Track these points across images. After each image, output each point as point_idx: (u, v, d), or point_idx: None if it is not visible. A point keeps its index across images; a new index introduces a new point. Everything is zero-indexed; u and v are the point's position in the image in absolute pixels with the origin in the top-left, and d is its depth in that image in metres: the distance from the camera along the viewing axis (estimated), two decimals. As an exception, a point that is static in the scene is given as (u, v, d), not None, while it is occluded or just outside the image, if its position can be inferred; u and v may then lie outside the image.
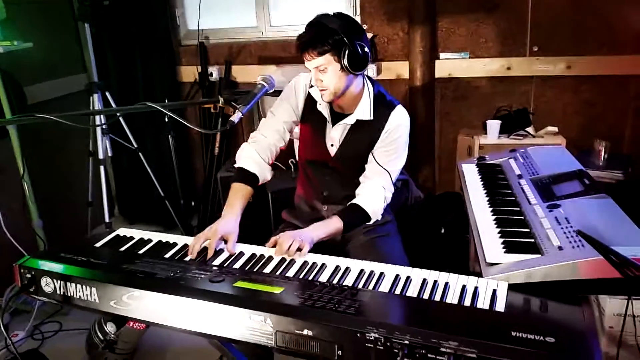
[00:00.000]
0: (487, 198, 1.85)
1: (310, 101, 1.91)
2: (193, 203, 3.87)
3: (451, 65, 3.22)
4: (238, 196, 1.80)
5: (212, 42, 3.61)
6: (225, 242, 1.65)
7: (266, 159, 1.89)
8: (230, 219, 1.72)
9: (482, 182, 2.01)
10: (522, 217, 1.65)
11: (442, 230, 2.89)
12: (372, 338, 1.11)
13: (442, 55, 3.22)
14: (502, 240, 1.51)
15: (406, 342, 1.08)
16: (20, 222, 2.82)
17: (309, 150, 1.97)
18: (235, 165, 1.90)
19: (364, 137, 1.86)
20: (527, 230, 1.55)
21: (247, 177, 1.84)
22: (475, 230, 1.63)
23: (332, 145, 1.91)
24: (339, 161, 1.91)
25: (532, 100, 3.14)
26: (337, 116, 1.89)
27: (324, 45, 1.67)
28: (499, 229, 1.58)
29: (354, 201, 1.86)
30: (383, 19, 3.24)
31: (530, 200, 1.73)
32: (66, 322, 2.67)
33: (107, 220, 3.02)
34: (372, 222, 1.87)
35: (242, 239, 1.72)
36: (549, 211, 1.58)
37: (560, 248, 1.35)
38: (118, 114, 2.60)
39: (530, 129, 2.96)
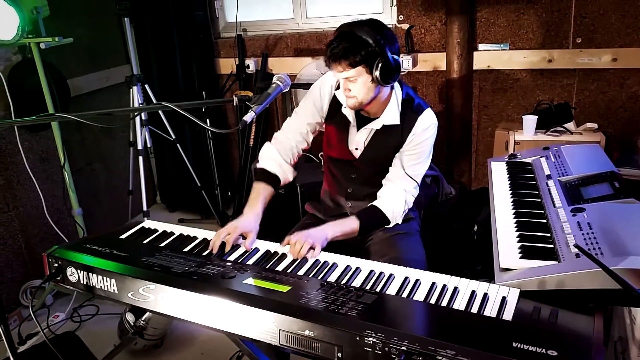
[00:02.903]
0: (512, 199, 1.80)
1: (335, 103, 1.89)
2: (230, 193, 3.95)
3: (490, 56, 3.12)
4: (259, 196, 1.84)
5: (250, 34, 3.64)
6: (244, 238, 1.68)
7: (288, 159, 1.91)
8: (250, 217, 1.75)
9: (509, 182, 1.96)
10: (544, 221, 1.59)
11: (475, 228, 2.83)
12: (371, 342, 1.11)
13: (480, 46, 3.13)
14: (519, 244, 1.47)
15: (403, 348, 1.08)
16: (63, 210, 2.96)
17: (333, 149, 1.96)
18: (257, 166, 1.93)
19: (390, 141, 1.83)
20: (548, 235, 1.50)
21: (268, 177, 1.88)
22: (494, 233, 1.59)
23: (356, 149, 1.89)
24: (363, 163, 1.89)
25: (574, 94, 3.01)
26: (363, 120, 1.86)
27: (355, 57, 1.61)
28: (518, 233, 1.54)
29: (374, 203, 1.83)
30: (420, 9, 3.17)
31: (555, 202, 1.66)
32: (103, 306, 2.79)
33: (144, 209, 3.13)
34: (391, 225, 1.85)
35: (270, 230, 1.77)
36: (572, 215, 1.52)
37: (577, 255, 1.30)
38: (135, 113, 2.67)
39: (571, 125, 2.83)
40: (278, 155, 1.89)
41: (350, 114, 1.85)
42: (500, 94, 3.19)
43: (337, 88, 1.84)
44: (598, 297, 1.22)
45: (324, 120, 1.94)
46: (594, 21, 2.84)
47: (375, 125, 1.82)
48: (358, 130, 1.87)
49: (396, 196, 1.82)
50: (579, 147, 2.08)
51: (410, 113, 1.81)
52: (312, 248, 1.57)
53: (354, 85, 1.69)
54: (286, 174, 1.91)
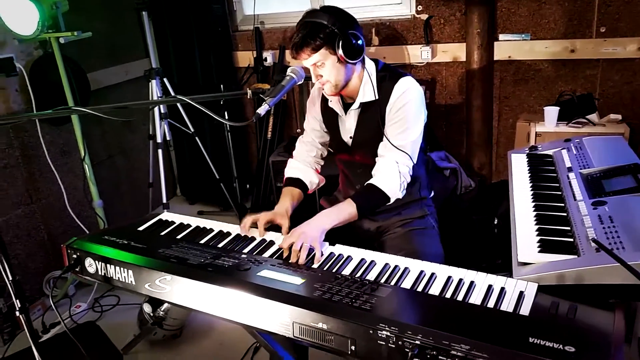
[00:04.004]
0: (532, 192, 1.76)
1: (324, 103, 1.92)
2: (248, 186, 3.97)
3: (511, 47, 3.06)
4: (287, 195, 1.89)
5: (267, 27, 3.64)
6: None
7: (309, 167, 1.99)
8: (280, 209, 1.80)
9: (529, 174, 1.92)
10: (564, 214, 1.56)
11: (495, 221, 2.79)
12: (384, 336, 1.11)
13: (501, 36, 3.07)
14: (538, 238, 1.44)
15: (417, 342, 1.07)
16: (84, 202, 3.01)
17: (337, 149, 1.98)
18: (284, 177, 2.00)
19: (373, 118, 1.80)
20: (568, 228, 1.46)
21: (292, 181, 1.95)
22: (513, 226, 1.57)
23: (350, 137, 1.89)
24: (358, 150, 1.88)
25: (598, 85, 2.94)
26: (349, 107, 1.87)
27: (316, 41, 1.66)
28: (537, 226, 1.51)
29: (369, 182, 1.77)
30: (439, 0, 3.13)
31: (576, 195, 1.63)
32: (124, 297, 2.84)
33: (164, 201, 3.15)
34: (392, 201, 1.77)
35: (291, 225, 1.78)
36: (593, 208, 1.48)
37: (597, 250, 1.27)
38: (151, 106, 2.68)
39: (594, 116, 2.77)
40: (299, 164, 1.99)
41: (336, 106, 1.87)
42: (522, 85, 3.14)
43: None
44: (620, 293, 1.20)
45: (323, 123, 1.98)
46: (619, 9, 2.76)
47: (355, 106, 1.83)
48: (346, 118, 1.88)
49: (389, 170, 1.75)
50: (602, 139, 2.03)
51: (387, 84, 1.78)
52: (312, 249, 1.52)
53: (323, 70, 1.72)
54: (310, 177, 1.97)
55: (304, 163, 2.00)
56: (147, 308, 1.57)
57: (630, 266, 1.06)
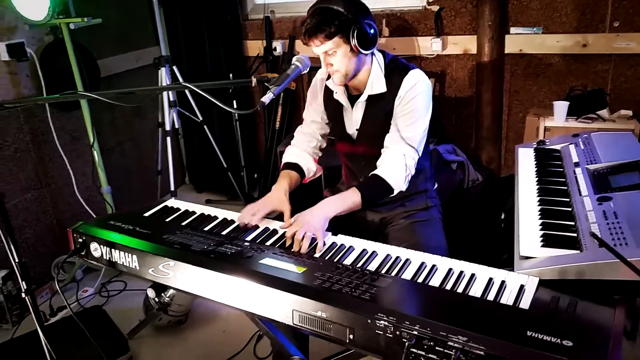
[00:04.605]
0: (537, 186, 1.76)
1: (328, 94, 1.90)
2: (256, 175, 3.98)
3: (522, 40, 3.03)
4: (284, 177, 1.88)
5: (278, 16, 3.62)
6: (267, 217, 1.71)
7: (307, 155, 1.97)
8: (278, 192, 1.78)
9: (535, 169, 1.91)
10: (569, 209, 1.55)
11: (502, 216, 2.77)
12: (382, 325, 1.11)
13: (512, 29, 3.04)
14: (541, 232, 1.43)
15: (415, 332, 1.08)
16: (93, 188, 3.04)
17: (339, 141, 1.97)
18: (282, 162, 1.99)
19: (381, 111, 1.78)
20: (572, 223, 1.46)
21: (290, 166, 1.93)
22: (517, 220, 1.56)
23: (356, 130, 1.87)
24: (363, 143, 1.86)
25: (609, 80, 2.90)
26: (354, 100, 1.85)
27: (330, 28, 1.62)
28: (541, 221, 1.50)
29: (374, 172, 1.76)
30: (451, -9, 3.11)
31: (582, 191, 1.62)
32: (131, 282, 2.87)
33: (172, 188, 3.17)
34: (395, 193, 1.76)
35: (293, 213, 1.76)
36: (598, 204, 1.48)
37: (600, 245, 1.26)
38: (157, 92, 2.69)
39: (604, 112, 2.74)
40: (297, 150, 1.97)
41: (342, 97, 1.85)
42: (532, 79, 3.11)
43: (328, 78, 1.83)
44: (624, 289, 1.19)
45: (326, 115, 1.96)
46: (634, 3, 2.72)
47: (363, 98, 1.80)
48: (353, 109, 1.86)
49: (395, 161, 1.73)
50: (610, 135, 2.01)
51: (395, 77, 1.76)
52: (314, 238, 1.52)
53: (334, 58, 1.69)
54: (308, 164, 1.95)
55: (302, 150, 1.98)
56: (150, 293, 1.59)
57: (629, 262, 1.05)
